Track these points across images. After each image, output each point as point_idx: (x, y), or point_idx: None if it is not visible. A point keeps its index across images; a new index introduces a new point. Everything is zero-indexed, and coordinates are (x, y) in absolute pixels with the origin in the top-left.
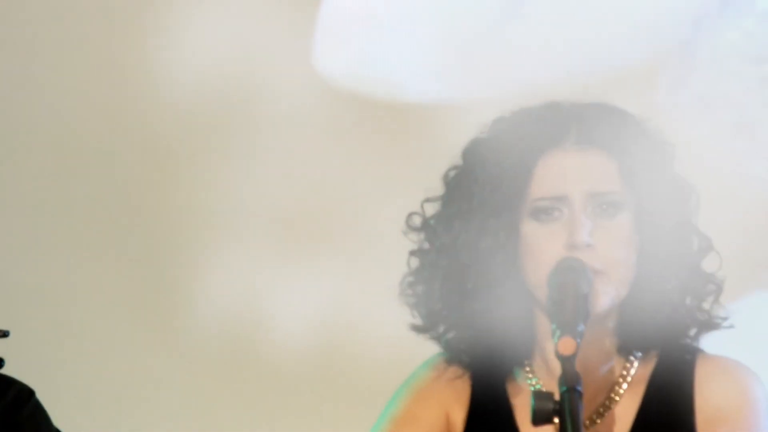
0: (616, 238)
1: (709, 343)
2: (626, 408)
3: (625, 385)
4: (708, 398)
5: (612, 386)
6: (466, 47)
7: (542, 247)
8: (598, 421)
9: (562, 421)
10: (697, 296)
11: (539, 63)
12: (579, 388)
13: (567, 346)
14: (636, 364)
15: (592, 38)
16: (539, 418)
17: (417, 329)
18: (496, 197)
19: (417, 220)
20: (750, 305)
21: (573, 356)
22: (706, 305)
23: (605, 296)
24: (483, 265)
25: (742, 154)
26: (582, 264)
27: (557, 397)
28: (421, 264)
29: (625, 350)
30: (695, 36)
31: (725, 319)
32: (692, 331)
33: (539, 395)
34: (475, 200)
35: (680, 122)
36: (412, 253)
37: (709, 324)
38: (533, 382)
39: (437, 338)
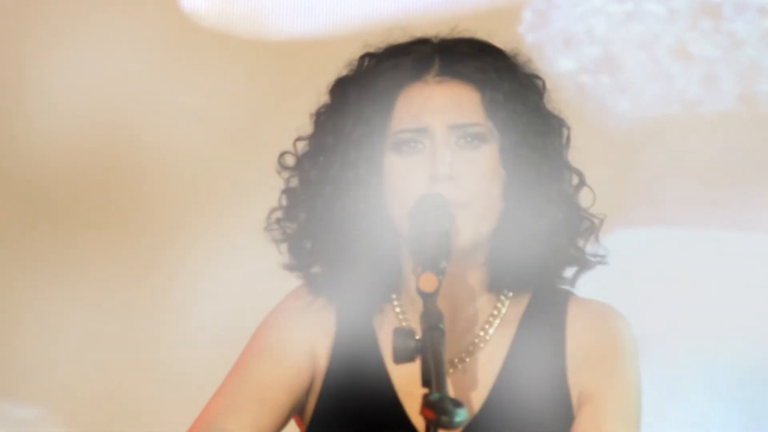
0: (480, 169)
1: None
2: (497, 347)
3: (496, 322)
4: (579, 341)
5: (482, 324)
6: None
7: (404, 181)
8: (467, 359)
9: (423, 360)
10: (571, 233)
11: None
12: (441, 326)
13: (428, 282)
14: (507, 302)
15: None
16: (400, 357)
17: (288, 268)
18: (357, 131)
19: (289, 159)
20: (612, 242)
21: (434, 293)
22: (581, 243)
23: (467, 231)
24: (346, 199)
25: (605, 89)
26: (442, 200)
27: (420, 334)
28: (290, 201)
29: (495, 288)
30: None
31: (603, 257)
32: (566, 270)
33: (400, 333)
34: (338, 135)
35: (543, 58)
36: (283, 191)
37: (584, 262)
38: (401, 317)
39: (304, 275)
